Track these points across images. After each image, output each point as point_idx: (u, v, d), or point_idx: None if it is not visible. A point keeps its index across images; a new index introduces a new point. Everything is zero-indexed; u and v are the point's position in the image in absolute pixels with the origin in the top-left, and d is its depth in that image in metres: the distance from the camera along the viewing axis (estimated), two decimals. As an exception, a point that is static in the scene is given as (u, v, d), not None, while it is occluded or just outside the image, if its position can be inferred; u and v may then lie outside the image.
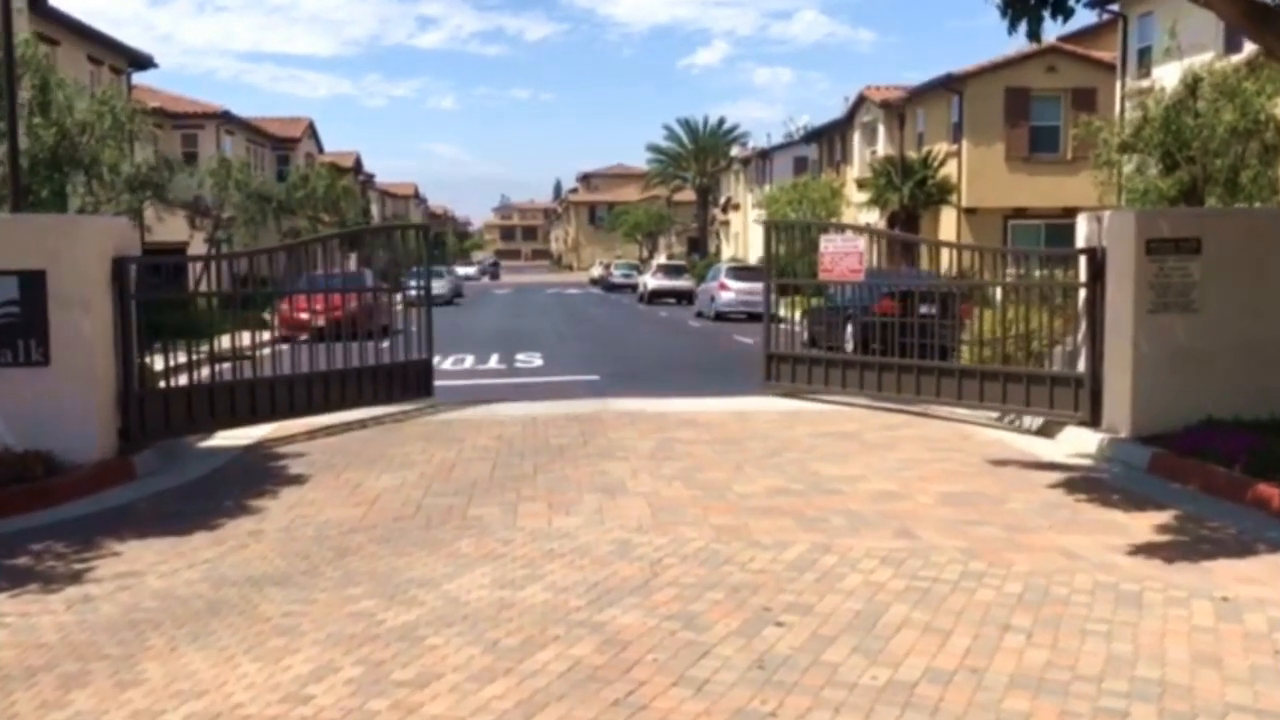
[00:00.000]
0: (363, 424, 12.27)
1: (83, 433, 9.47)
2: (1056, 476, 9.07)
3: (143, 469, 9.80)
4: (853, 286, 21.08)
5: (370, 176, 75.16)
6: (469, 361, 19.68)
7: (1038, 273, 12.54)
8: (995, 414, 12.27)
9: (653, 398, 14.06)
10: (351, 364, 12.74)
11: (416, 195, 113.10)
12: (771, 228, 14.86)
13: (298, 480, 9.22)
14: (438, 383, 16.44)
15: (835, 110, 46.74)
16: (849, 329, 19.95)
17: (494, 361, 19.54)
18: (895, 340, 13.70)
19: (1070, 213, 33.27)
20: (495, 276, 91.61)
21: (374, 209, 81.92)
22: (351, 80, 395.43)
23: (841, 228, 14.94)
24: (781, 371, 14.35)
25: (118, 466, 9.63)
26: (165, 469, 9.93)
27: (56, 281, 9.44)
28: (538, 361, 19.44)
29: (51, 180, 15.61)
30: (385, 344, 13.46)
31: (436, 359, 20.03)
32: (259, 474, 9.60)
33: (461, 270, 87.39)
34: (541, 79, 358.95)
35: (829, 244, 13.79)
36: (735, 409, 12.98)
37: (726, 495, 8.29)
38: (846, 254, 13.51)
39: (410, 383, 13.55)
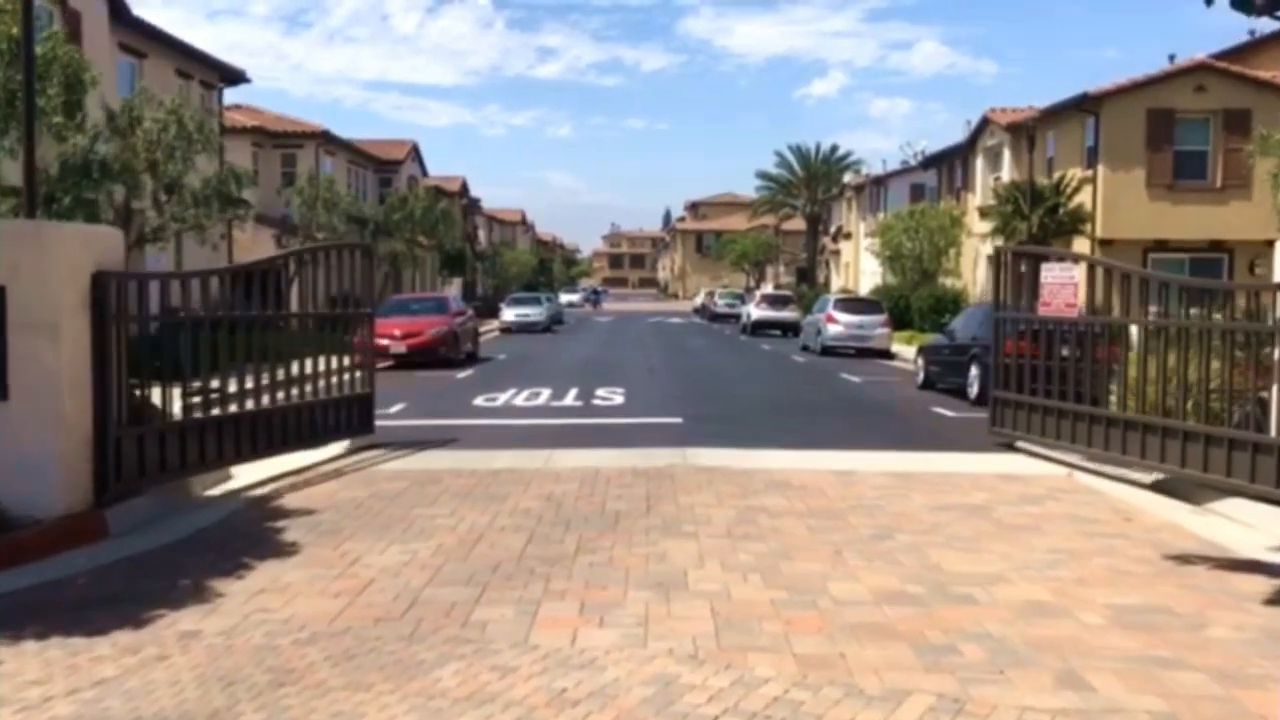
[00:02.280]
0: (403, 471, 10.55)
1: (44, 482, 7.90)
2: (1266, 584, 6.78)
3: (119, 526, 8.19)
4: (977, 321, 18.85)
5: (476, 201, 74.62)
6: (544, 397, 17.88)
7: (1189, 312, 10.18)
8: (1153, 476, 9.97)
9: (739, 449, 12.04)
10: (292, 400, 11.01)
11: (524, 221, 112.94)
12: (1002, 254, 12.70)
13: (286, 550, 7.46)
14: (505, 421, 14.83)
15: (954, 140, 44.04)
16: (973, 370, 17.68)
17: (570, 398, 17.70)
18: (1031, 384, 11.52)
19: (1219, 246, 30.41)
20: (597, 304, 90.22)
21: (481, 234, 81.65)
22: (472, 110, 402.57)
23: (1061, 255, 12.51)
24: (1006, 417, 12.22)
25: (86, 523, 8.01)
26: (147, 526, 8.30)
27: (18, 301, 7.90)
28: (618, 399, 17.54)
29: (79, 187, 14.32)
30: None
31: (511, 391, 18.47)
32: (246, 538, 7.88)
33: (565, 298, 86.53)
34: (656, 109, 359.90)
35: (1048, 274, 11.61)
36: (837, 468, 10.87)
37: (819, 600, 6.23)
38: (1063, 285, 11.34)
39: (352, 420, 12.00)
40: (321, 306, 11.85)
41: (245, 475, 10.42)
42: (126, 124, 19.41)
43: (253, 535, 7.98)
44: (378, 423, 14.39)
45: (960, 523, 8.42)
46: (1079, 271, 11.37)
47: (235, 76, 31.41)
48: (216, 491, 9.83)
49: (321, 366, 11.63)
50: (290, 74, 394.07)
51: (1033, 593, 6.48)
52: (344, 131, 44.33)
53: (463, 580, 6.62)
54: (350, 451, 12.06)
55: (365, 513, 8.70)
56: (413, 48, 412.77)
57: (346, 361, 12.09)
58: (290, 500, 9.32)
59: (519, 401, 17.21)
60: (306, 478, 10.49)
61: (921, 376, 20.48)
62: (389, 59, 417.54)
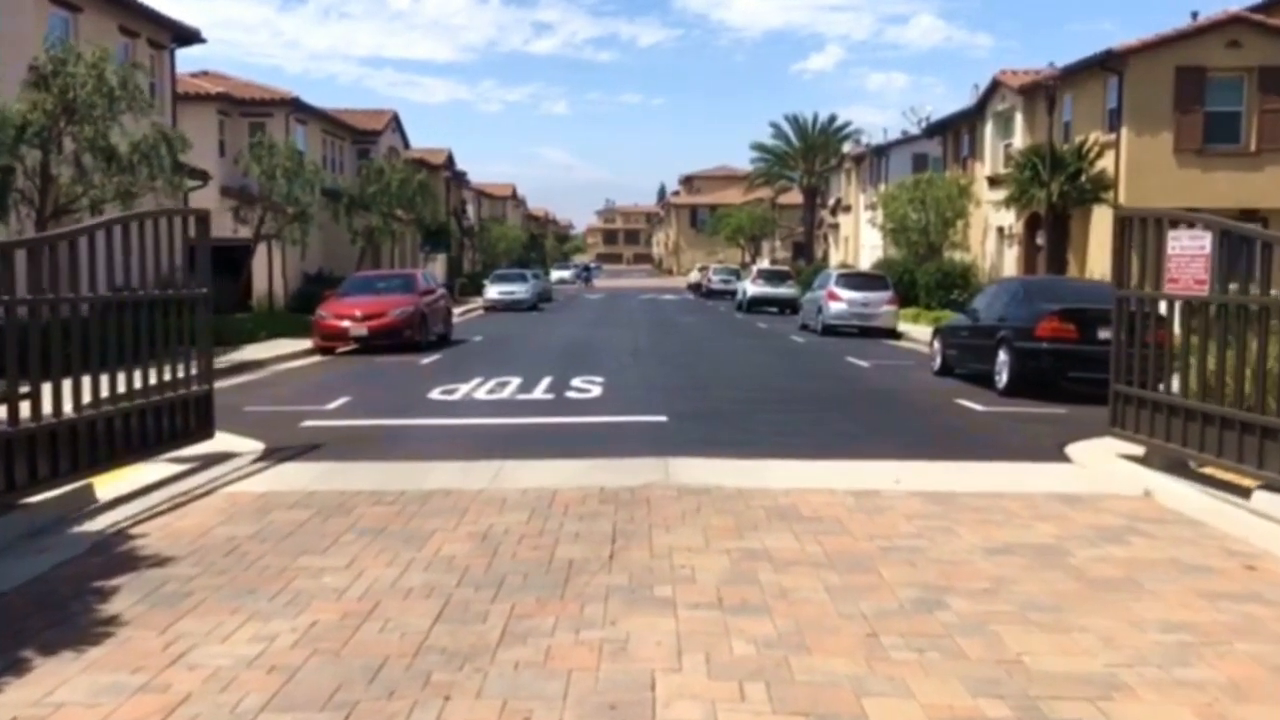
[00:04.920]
0: (309, 495, 8.37)
1: None
2: None
3: (-104, 587, 6.01)
4: (1004, 301, 16.65)
5: (462, 174, 72.05)
6: (510, 388, 15.65)
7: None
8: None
9: (734, 459, 9.88)
10: (107, 406, 8.43)
11: (514, 196, 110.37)
12: (1128, 220, 10.17)
13: (96, 633, 5.28)
14: (459, 421, 12.67)
15: (951, 113, 41.61)
16: (1001, 356, 15.51)
17: (541, 389, 15.47)
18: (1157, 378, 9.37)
19: (1251, 215, 28.32)
20: (588, 281, 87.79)
21: (470, 209, 79.11)
22: (468, 86, 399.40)
23: (1191, 221, 9.39)
24: (1128, 417, 9.84)
25: None
26: (-63, 585, 6.11)
27: None
28: (595, 391, 15.31)
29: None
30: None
31: (476, 381, 16.26)
32: (55, 607, 5.71)
33: (555, 274, 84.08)
34: (653, 84, 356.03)
35: (1175, 244, 9.24)
36: (855, 486, 8.70)
37: (856, 741, 4.07)
38: (1193, 258, 8.99)
39: (188, 425, 9.63)
40: (149, 287, 9.04)
41: (129, 486, 8.40)
42: (40, 79, 17.23)
43: (66, 603, 5.80)
44: (309, 423, 12.38)
45: (1030, 577, 6.26)
46: (1209, 240, 9.05)
47: (189, 36, 28.95)
48: (83, 513, 7.68)
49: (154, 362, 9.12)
50: (285, 50, 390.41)
51: (1173, 715, 4.33)
52: (292, 91, 41.25)
53: (321, 698, 4.45)
54: (261, 458, 9.98)
55: (235, 562, 6.53)
56: (408, 23, 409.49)
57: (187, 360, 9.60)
58: (150, 538, 7.16)
59: (481, 394, 14.98)
60: (192, 493, 8.40)
61: (938, 361, 18.30)
62: (384, 35, 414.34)
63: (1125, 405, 9.83)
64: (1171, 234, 9.36)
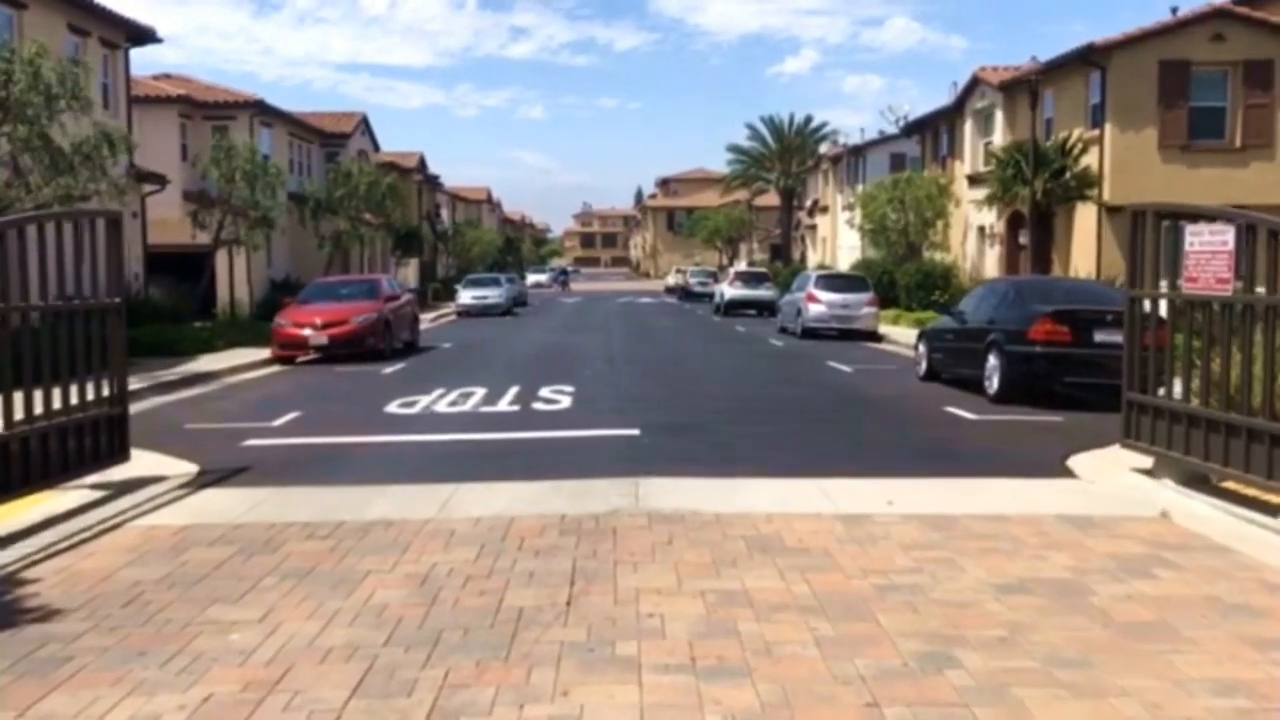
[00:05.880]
0: (237, 527, 7.47)
1: None
2: None
3: None
4: (993, 303, 15.88)
5: (435, 178, 70.99)
6: (474, 399, 14.74)
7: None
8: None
9: (711, 477, 9.04)
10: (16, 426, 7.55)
11: (489, 199, 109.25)
12: (1142, 216, 9.24)
13: (-60, 717, 4.39)
14: (415, 437, 11.77)
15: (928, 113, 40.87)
16: (991, 360, 14.72)
17: (506, 401, 14.56)
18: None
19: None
20: (565, 285, 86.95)
21: (444, 213, 78.01)
22: (445, 90, 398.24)
23: (1213, 215, 8.42)
24: (1143, 428, 8.95)
25: None
26: None
27: None
28: (565, 402, 14.42)
29: None
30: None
31: (438, 392, 15.35)
32: (-97, 682, 4.81)
33: (532, 278, 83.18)
34: (629, 88, 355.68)
35: (1195, 239, 8.39)
36: (845, 510, 7.87)
37: None
38: (1214, 254, 8.14)
39: (99, 448, 8.60)
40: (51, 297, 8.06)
41: (35, 517, 7.54)
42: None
43: (-82, 673, 4.90)
44: (252, 442, 11.45)
45: (1049, 621, 5.43)
46: (1231, 236, 8.22)
47: (144, 35, 27.91)
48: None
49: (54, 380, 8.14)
50: (260, 57, 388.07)
51: (1249, 817, 3.51)
52: (255, 94, 40.07)
53: (193, 809, 3.58)
54: (190, 483, 9.07)
55: (133, 615, 5.63)
56: (383, 28, 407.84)
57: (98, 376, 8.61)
58: (43, 583, 6.25)
59: (441, 407, 14.06)
60: (104, 526, 7.49)
61: (924, 366, 17.52)
62: (360, 40, 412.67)
63: (1140, 415, 9.01)
64: (1190, 229, 8.57)
